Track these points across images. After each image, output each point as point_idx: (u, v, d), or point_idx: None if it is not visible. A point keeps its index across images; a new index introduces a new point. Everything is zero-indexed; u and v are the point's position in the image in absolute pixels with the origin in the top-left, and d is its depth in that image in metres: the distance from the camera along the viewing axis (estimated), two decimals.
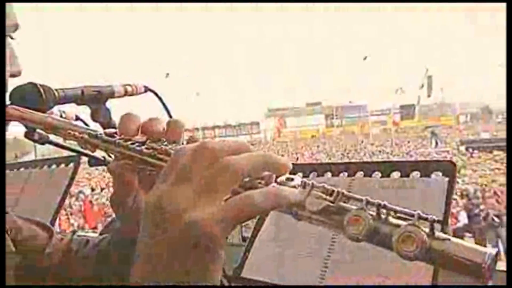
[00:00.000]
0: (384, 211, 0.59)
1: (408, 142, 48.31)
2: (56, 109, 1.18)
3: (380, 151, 40.92)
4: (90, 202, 19.10)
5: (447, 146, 40.25)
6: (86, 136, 0.90)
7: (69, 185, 2.21)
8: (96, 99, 1.21)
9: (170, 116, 1.31)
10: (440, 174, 1.31)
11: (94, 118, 1.19)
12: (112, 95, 1.25)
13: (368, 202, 0.59)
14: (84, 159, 1.81)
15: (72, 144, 1.69)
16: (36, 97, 1.06)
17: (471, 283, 0.55)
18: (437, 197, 1.26)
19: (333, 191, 0.62)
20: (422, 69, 68.95)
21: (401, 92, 65.48)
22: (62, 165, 2.27)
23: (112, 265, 1.04)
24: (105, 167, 1.06)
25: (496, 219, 12.75)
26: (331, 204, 0.61)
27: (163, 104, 1.35)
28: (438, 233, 0.55)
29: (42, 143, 1.33)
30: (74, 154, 2.19)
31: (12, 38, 0.94)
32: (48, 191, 2.22)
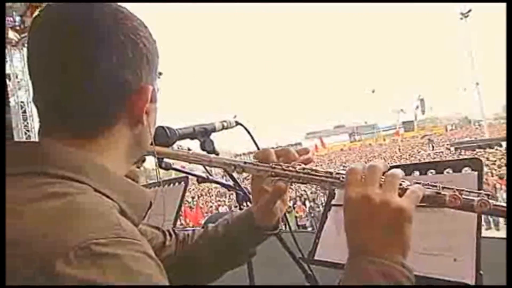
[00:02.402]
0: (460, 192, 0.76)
1: (412, 148, 46.70)
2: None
3: (391, 156, 39.78)
4: (190, 207, 19.39)
5: (441, 148, 38.73)
6: (242, 164, 0.92)
7: (182, 198, 2.17)
8: (203, 134, 1.17)
9: (256, 144, 1.24)
10: (469, 169, 1.17)
11: (203, 148, 1.16)
12: (214, 130, 1.21)
13: (456, 189, 0.76)
14: None
15: (188, 168, 1.66)
16: (164, 136, 1.05)
17: None
18: (469, 188, 1.12)
19: (434, 185, 0.77)
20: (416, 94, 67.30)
21: (402, 112, 64.19)
22: (176, 184, 2.24)
23: (215, 251, 1.04)
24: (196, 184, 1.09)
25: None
26: (438, 191, 0.76)
27: (250, 134, 1.28)
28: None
29: (167, 169, 1.31)
30: (183, 175, 2.17)
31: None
32: (168, 204, 2.18)
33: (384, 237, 0.71)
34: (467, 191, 0.75)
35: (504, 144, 28.45)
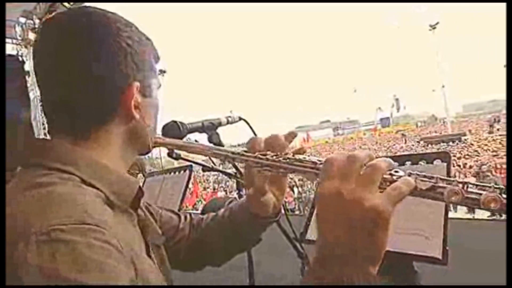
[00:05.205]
0: (464, 186, 0.56)
1: (388, 141, 46.91)
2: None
3: (370, 149, 39.90)
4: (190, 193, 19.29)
5: (412, 142, 39.06)
6: (230, 154, 0.81)
7: (187, 185, 2.16)
8: (210, 128, 1.17)
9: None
10: (440, 161, 1.21)
11: (210, 141, 1.16)
12: (220, 124, 1.20)
13: (458, 182, 0.57)
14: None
15: (195, 158, 1.67)
16: (176, 130, 1.05)
17: None
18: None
19: (432, 176, 0.58)
20: (391, 95, 67.54)
21: (380, 110, 64.45)
22: (182, 172, 2.23)
23: (224, 234, 0.99)
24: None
25: None
26: (435, 184, 0.57)
27: (251, 128, 1.28)
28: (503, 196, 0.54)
29: (176, 159, 1.32)
30: (188, 164, 2.17)
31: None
32: (175, 190, 2.18)
33: (352, 241, 0.55)
34: (472, 184, 0.57)
35: (463, 138, 30.21)
